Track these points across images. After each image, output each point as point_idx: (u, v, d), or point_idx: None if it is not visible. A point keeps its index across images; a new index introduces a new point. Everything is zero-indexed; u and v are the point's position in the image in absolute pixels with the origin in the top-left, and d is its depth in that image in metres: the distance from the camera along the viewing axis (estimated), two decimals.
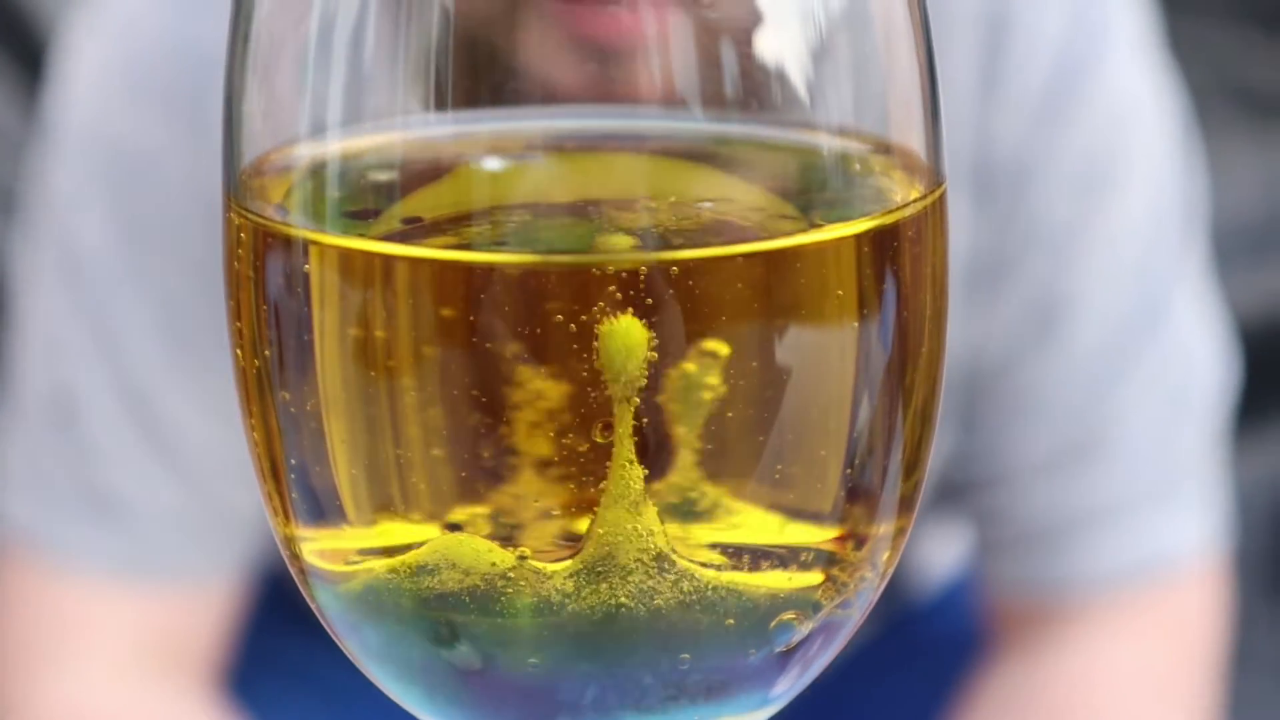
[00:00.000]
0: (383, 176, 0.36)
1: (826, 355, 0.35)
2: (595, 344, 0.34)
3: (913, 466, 0.37)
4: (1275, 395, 1.59)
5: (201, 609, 0.91)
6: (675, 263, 0.34)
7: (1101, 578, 0.90)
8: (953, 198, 0.38)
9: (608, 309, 0.34)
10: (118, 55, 0.88)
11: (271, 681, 1.01)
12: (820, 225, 0.35)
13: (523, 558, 0.35)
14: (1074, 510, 0.90)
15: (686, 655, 0.36)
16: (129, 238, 0.87)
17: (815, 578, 0.36)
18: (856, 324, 0.35)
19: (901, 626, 1.04)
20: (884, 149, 0.36)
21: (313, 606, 0.38)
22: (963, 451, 0.92)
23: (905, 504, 0.37)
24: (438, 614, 0.36)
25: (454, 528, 0.35)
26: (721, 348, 0.34)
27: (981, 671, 0.94)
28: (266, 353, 0.36)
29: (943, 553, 1.05)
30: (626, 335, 0.34)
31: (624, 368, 0.34)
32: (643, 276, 0.34)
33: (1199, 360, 0.93)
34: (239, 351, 0.37)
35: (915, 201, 0.36)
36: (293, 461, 0.36)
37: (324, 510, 0.36)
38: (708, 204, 0.36)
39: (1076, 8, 0.88)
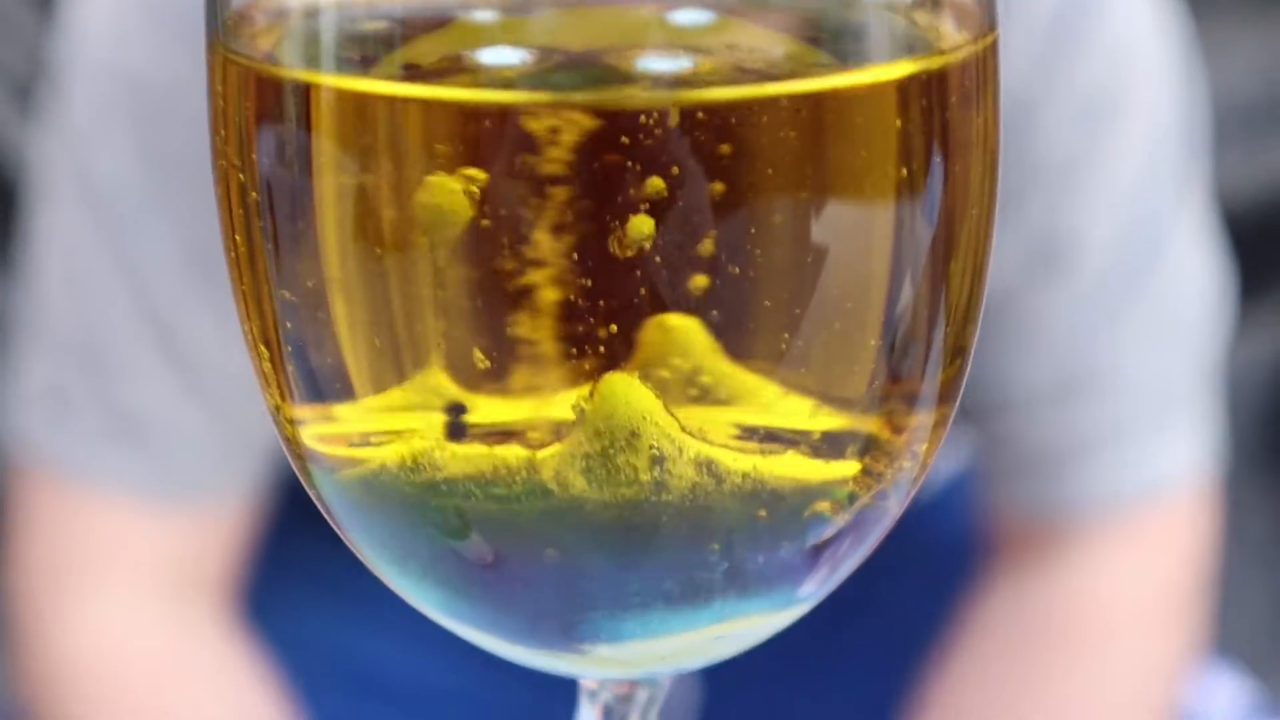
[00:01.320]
0: (382, 21, 0.33)
1: (865, 221, 0.32)
2: (614, 200, 0.31)
3: (957, 351, 0.35)
4: (1272, 274, 1.59)
5: (221, 529, 0.91)
6: (696, 105, 0.31)
7: (1100, 500, 0.93)
8: None
9: (626, 157, 0.31)
10: None
11: (287, 585, 1.01)
12: (858, 69, 0.32)
13: (529, 438, 0.32)
14: (1073, 437, 0.92)
15: (713, 545, 0.33)
16: (150, 167, 0.86)
17: (851, 466, 0.34)
18: (899, 186, 0.32)
19: (900, 528, 1.03)
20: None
21: (314, 498, 0.35)
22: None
23: (947, 391, 0.35)
24: (444, 501, 0.33)
25: (460, 408, 0.33)
26: (748, 206, 0.31)
27: (982, 585, 0.97)
28: (258, 215, 0.33)
29: (943, 456, 1.04)
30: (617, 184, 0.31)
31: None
32: (661, 120, 0.31)
33: (1196, 290, 0.94)
34: (227, 215, 0.34)
35: (963, 47, 0.33)
36: (289, 332, 0.34)
37: (322, 388, 0.34)
38: (735, 52, 0.33)
39: None
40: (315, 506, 0.98)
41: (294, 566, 1.02)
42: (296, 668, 0.97)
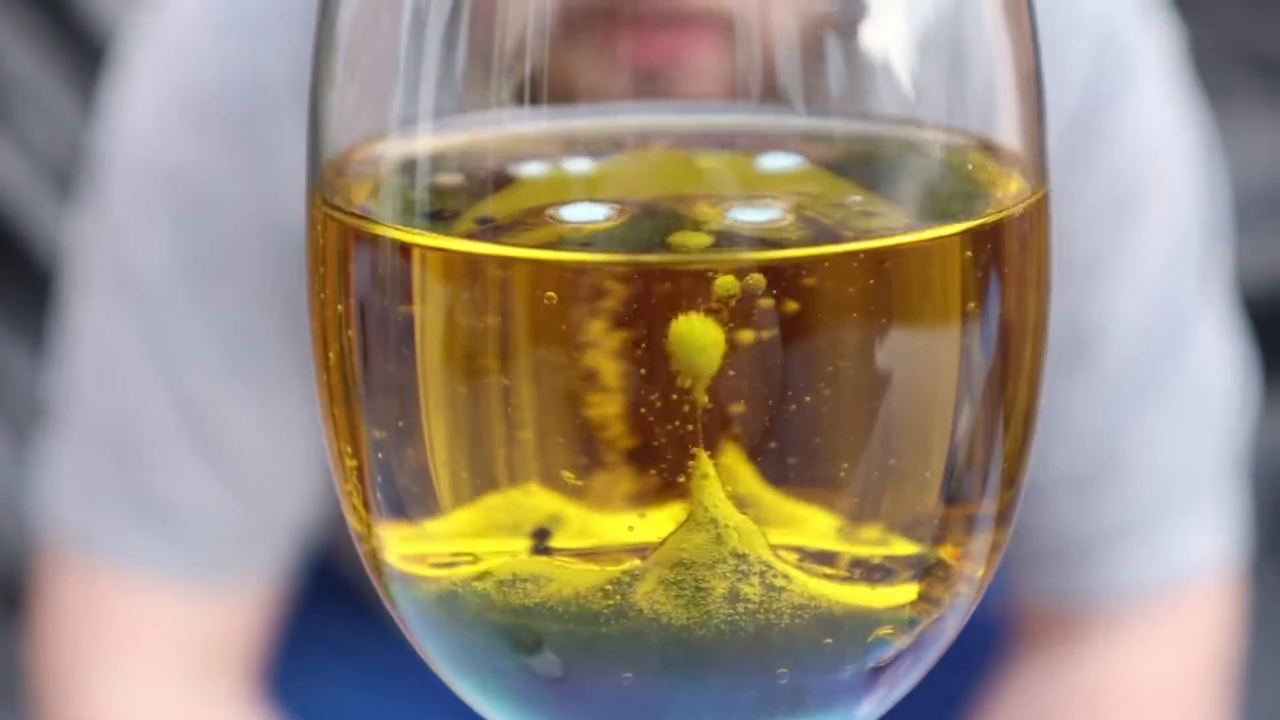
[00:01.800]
0: (474, 174, 0.35)
1: (928, 361, 0.34)
2: (696, 350, 0.33)
3: (1012, 478, 0.36)
4: None
5: (247, 610, 0.92)
6: (772, 264, 0.33)
7: (1124, 589, 0.93)
8: None
9: (709, 311, 0.33)
10: (177, 83, 0.88)
11: (312, 659, 1.02)
12: (924, 225, 0.34)
13: (608, 563, 0.34)
14: (1097, 525, 0.93)
15: (777, 668, 0.35)
16: (188, 261, 0.88)
17: (913, 592, 0.35)
18: (959, 328, 0.34)
19: None
20: (987, 148, 0.35)
21: (390, 610, 0.37)
22: None
23: (1003, 517, 0.37)
24: (520, 619, 0.35)
25: (544, 533, 0.34)
26: (820, 351, 0.33)
27: (1004, 672, 0.97)
28: (353, 355, 0.35)
29: None
30: (702, 334, 0.33)
31: (698, 364, 0.33)
32: (743, 278, 0.33)
33: (1219, 380, 0.95)
34: (322, 349, 0.36)
35: (1022, 201, 0.35)
36: (379, 460, 0.35)
37: (408, 510, 0.35)
38: (807, 204, 0.35)
39: (1101, 40, 0.88)
40: (342, 581, 0.98)
41: (319, 640, 1.03)
42: None
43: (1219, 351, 0.95)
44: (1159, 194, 0.90)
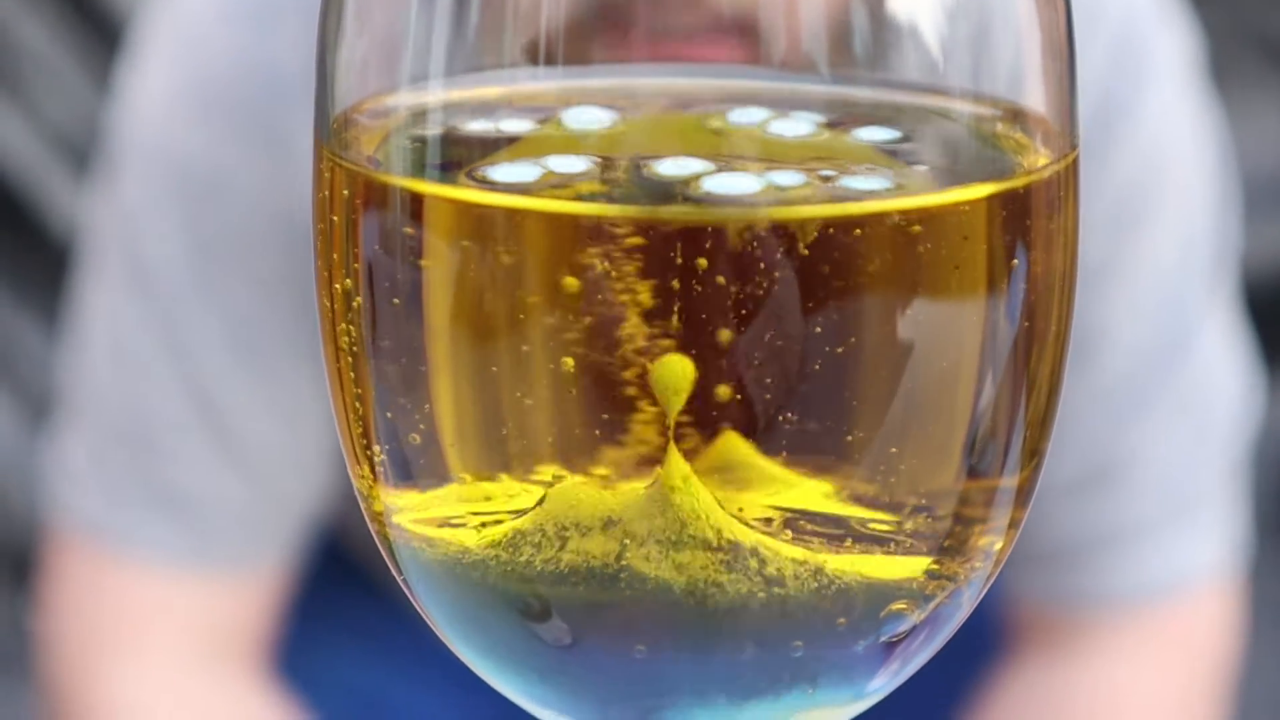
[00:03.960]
0: (485, 129, 0.34)
1: (949, 325, 0.33)
2: (706, 305, 0.32)
3: (1032, 453, 0.36)
4: None
5: (257, 595, 0.92)
6: (794, 221, 0.32)
7: (1120, 595, 0.93)
8: None
9: (727, 269, 0.32)
10: (189, 73, 0.88)
11: (321, 637, 1.02)
12: (949, 187, 0.33)
13: (615, 528, 0.33)
14: (1095, 530, 0.92)
15: (789, 640, 0.34)
16: (199, 252, 0.88)
17: (930, 566, 0.35)
18: (984, 293, 0.34)
19: None
20: (1015, 114, 0.34)
21: (397, 577, 0.36)
22: None
23: (1023, 491, 0.36)
24: (527, 584, 0.34)
25: (550, 495, 0.34)
26: (838, 312, 0.33)
27: (999, 673, 0.97)
28: (361, 311, 0.34)
29: None
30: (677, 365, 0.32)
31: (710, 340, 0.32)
32: (759, 234, 0.32)
33: (1223, 389, 0.94)
34: (330, 306, 0.35)
35: (1050, 165, 0.34)
36: (386, 419, 0.35)
37: (415, 473, 0.35)
38: (827, 167, 0.34)
39: (1121, 40, 0.88)
40: (350, 561, 0.98)
41: (328, 620, 1.03)
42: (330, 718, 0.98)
43: (1224, 359, 0.94)
44: (1171, 198, 0.90)
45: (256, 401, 0.89)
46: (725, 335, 0.32)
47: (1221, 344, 0.94)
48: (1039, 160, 0.34)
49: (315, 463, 0.91)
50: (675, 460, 0.33)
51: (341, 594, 1.03)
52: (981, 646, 0.99)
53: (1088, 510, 0.92)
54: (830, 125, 0.35)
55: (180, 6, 0.90)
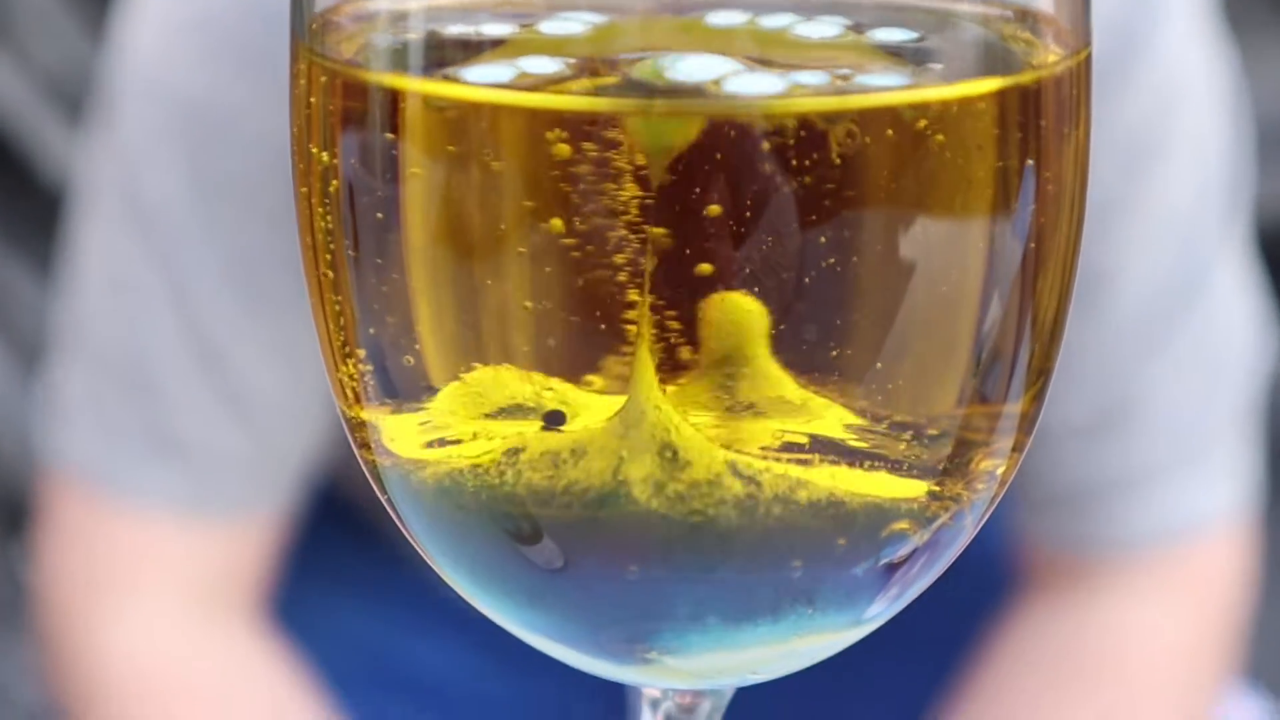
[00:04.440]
0: (470, 24, 0.33)
1: (956, 237, 0.32)
2: (705, 208, 0.31)
3: (1040, 371, 0.34)
4: None
5: (253, 543, 0.92)
6: (791, 115, 0.31)
7: (1132, 539, 0.92)
8: None
9: (721, 166, 0.31)
10: (190, 12, 0.87)
11: (321, 588, 1.02)
12: (954, 82, 0.32)
13: (606, 447, 0.32)
14: (1107, 474, 0.92)
15: (786, 560, 0.33)
16: (201, 192, 0.87)
17: (932, 486, 0.34)
18: (992, 201, 0.32)
19: None
20: (1027, 14, 0.33)
21: (385, 503, 0.35)
22: None
23: (1029, 412, 0.35)
24: (516, 505, 0.33)
25: (538, 413, 0.32)
26: (841, 218, 0.31)
27: (1013, 611, 0.96)
28: (341, 219, 0.33)
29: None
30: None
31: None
32: (755, 130, 0.31)
33: (1236, 334, 0.94)
34: (310, 216, 0.34)
35: (1059, 61, 0.33)
36: (366, 333, 0.33)
37: (399, 391, 0.33)
38: (832, 63, 0.33)
39: None
40: (349, 510, 0.98)
41: (323, 567, 1.02)
42: (333, 670, 0.97)
43: (1236, 302, 0.94)
44: (1186, 136, 0.89)
45: (257, 346, 0.88)
46: (727, 239, 0.31)
47: (1234, 287, 0.93)
48: (1050, 57, 0.33)
49: (315, 410, 0.91)
50: (671, 374, 0.32)
51: (340, 543, 1.03)
52: (991, 589, 0.99)
53: (1100, 453, 0.91)
54: (818, 24, 0.34)
55: None
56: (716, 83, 0.32)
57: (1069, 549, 0.93)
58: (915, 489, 0.34)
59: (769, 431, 0.32)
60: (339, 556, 1.02)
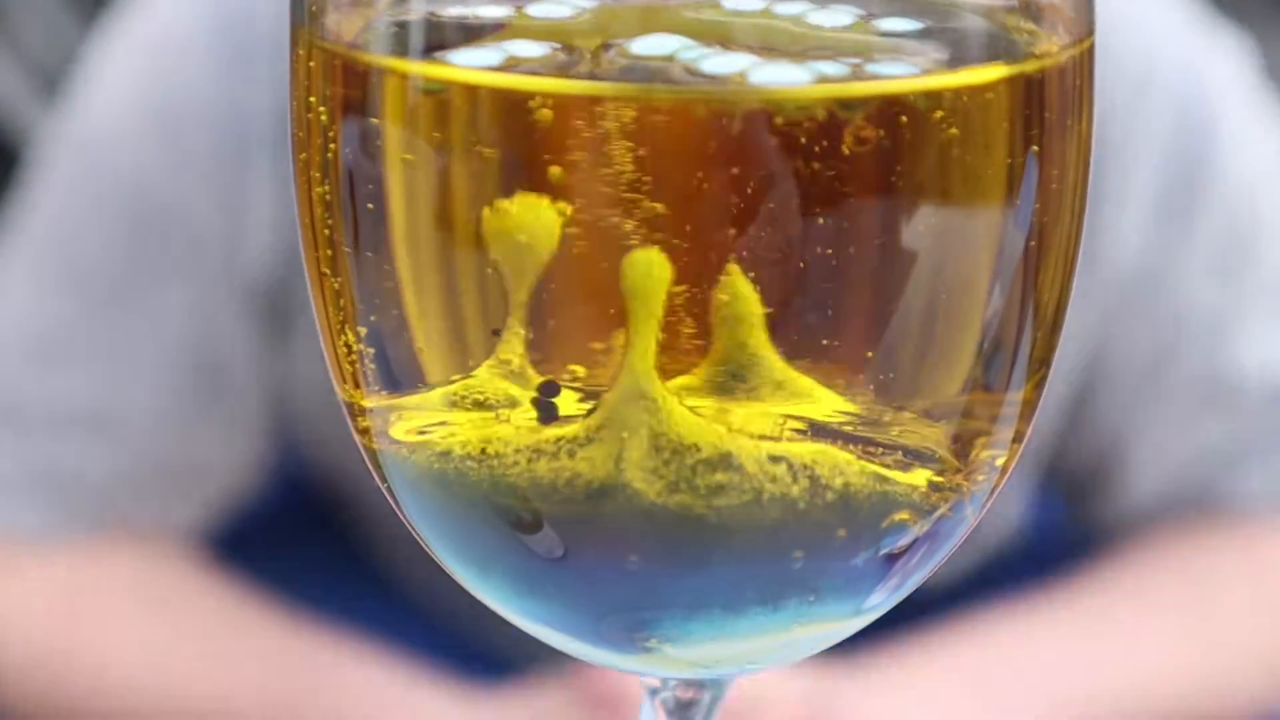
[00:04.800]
0: (471, 10, 0.33)
1: (959, 225, 0.32)
2: (705, 196, 0.31)
3: (1041, 361, 0.34)
4: None
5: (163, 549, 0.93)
6: (787, 102, 0.31)
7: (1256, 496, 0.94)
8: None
9: (719, 155, 0.31)
10: (157, 99, 0.89)
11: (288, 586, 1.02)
12: (957, 69, 0.32)
13: (605, 434, 0.32)
14: (1222, 443, 0.93)
15: (786, 551, 0.33)
16: (138, 266, 0.89)
17: (932, 476, 0.33)
18: (995, 190, 0.32)
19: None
20: (1028, 4, 0.33)
21: (386, 494, 0.35)
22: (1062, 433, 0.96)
23: (1030, 401, 0.34)
24: (516, 494, 0.33)
25: (538, 401, 0.32)
26: (837, 204, 0.31)
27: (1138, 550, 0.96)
28: (342, 205, 0.33)
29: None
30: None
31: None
32: (753, 118, 0.31)
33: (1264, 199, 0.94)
34: (309, 200, 0.34)
35: (1062, 50, 0.33)
36: (369, 319, 0.33)
37: (399, 378, 0.33)
38: (831, 53, 0.33)
39: (1182, 100, 0.90)
40: (318, 507, 0.97)
41: (295, 570, 1.02)
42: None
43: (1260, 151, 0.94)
44: (1270, 225, 0.92)
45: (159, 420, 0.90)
46: (727, 227, 0.31)
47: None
48: (1054, 46, 0.33)
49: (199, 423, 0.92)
50: (673, 362, 0.32)
51: (308, 542, 1.03)
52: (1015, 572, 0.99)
53: (1206, 428, 0.93)
54: (820, 12, 0.34)
55: (150, 21, 0.89)
56: (735, 73, 0.32)
57: (1197, 505, 0.94)
58: (916, 479, 0.33)
59: (770, 420, 0.32)
60: (340, 577, 1.02)
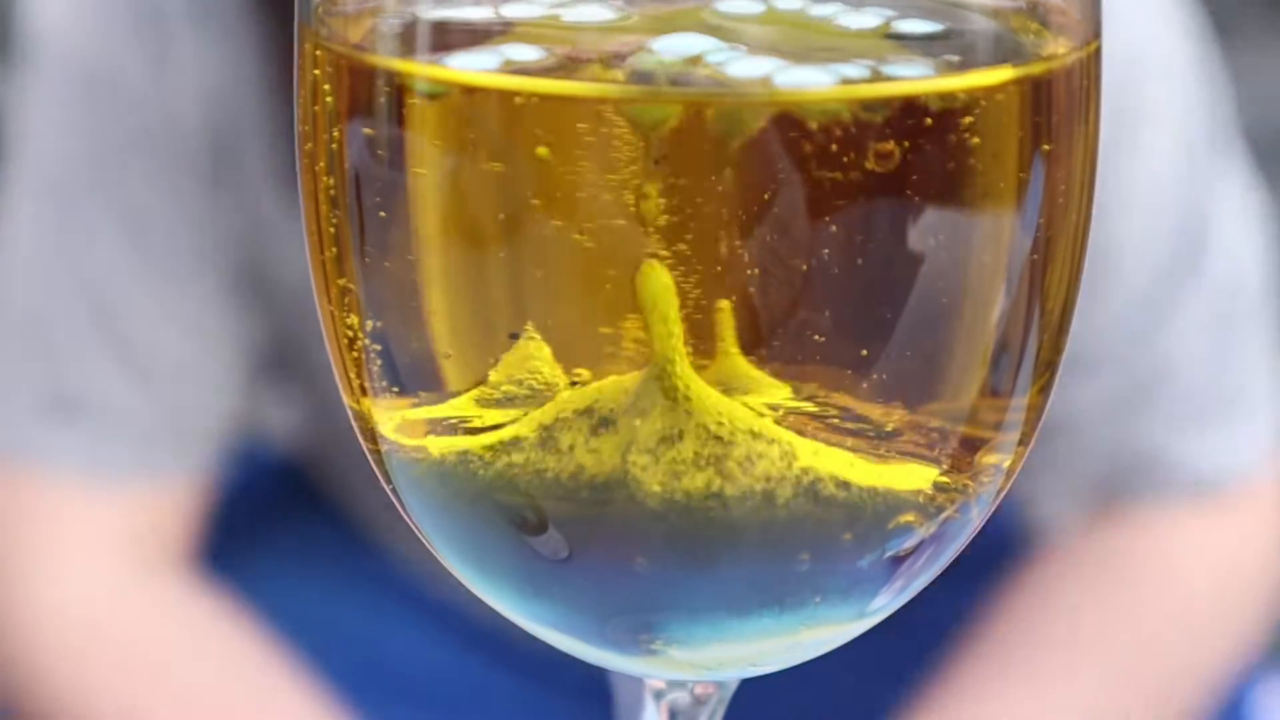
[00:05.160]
0: (478, 10, 0.33)
1: (965, 227, 0.32)
2: (715, 198, 0.31)
3: (1048, 364, 0.34)
4: None
5: (172, 504, 0.92)
6: (796, 104, 0.31)
7: (1174, 492, 0.92)
8: None
9: (729, 156, 0.31)
10: None
11: (277, 562, 1.01)
12: (964, 71, 0.32)
13: (611, 435, 0.32)
14: (1137, 449, 0.91)
15: (792, 553, 0.33)
16: (98, 154, 0.89)
17: (939, 478, 0.33)
18: (1002, 192, 0.32)
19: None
20: (1034, 6, 0.33)
21: (390, 494, 0.35)
22: None
23: (1036, 404, 0.34)
24: (521, 495, 0.33)
25: (544, 400, 0.32)
26: (845, 206, 0.31)
27: (1050, 551, 0.95)
28: (348, 205, 0.33)
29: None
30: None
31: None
32: (761, 120, 0.31)
33: (1250, 273, 0.93)
34: (314, 201, 0.34)
35: (1069, 52, 0.32)
36: (374, 320, 0.33)
37: (404, 379, 0.33)
38: (838, 54, 0.32)
39: None
40: (311, 484, 0.97)
41: (285, 544, 1.02)
42: (323, 664, 0.97)
43: (1245, 240, 0.93)
44: (1154, 98, 0.89)
45: (156, 309, 0.89)
46: (731, 227, 0.31)
47: (1240, 224, 0.92)
48: (1060, 48, 0.33)
49: (223, 378, 0.91)
50: (680, 362, 0.32)
51: (313, 531, 1.03)
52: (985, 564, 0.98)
53: (1134, 424, 0.91)
54: (838, 18, 0.34)
55: None
56: (752, 75, 0.32)
57: (1109, 509, 0.93)
58: (922, 481, 0.33)
59: (778, 421, 0.32)
60: (327, 550, 1.02)
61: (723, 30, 0.33)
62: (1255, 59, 1.65)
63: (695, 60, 0.32)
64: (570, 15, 0.33)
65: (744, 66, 0.31)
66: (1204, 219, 0.91)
